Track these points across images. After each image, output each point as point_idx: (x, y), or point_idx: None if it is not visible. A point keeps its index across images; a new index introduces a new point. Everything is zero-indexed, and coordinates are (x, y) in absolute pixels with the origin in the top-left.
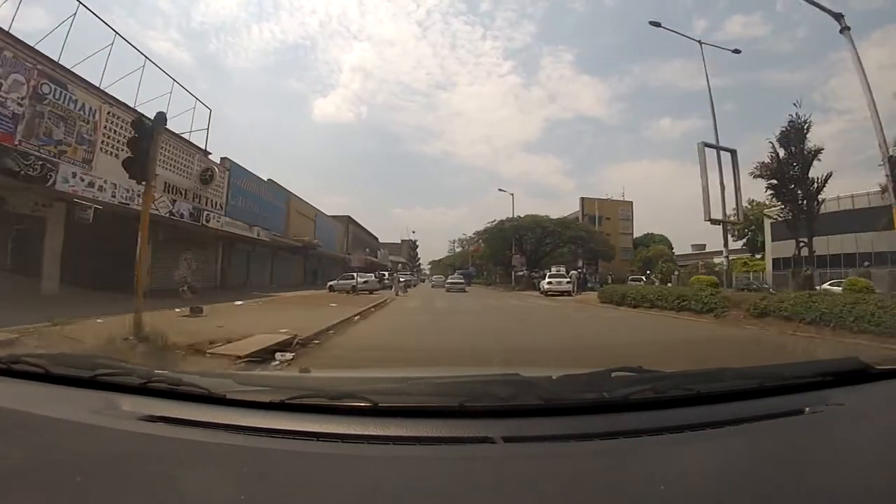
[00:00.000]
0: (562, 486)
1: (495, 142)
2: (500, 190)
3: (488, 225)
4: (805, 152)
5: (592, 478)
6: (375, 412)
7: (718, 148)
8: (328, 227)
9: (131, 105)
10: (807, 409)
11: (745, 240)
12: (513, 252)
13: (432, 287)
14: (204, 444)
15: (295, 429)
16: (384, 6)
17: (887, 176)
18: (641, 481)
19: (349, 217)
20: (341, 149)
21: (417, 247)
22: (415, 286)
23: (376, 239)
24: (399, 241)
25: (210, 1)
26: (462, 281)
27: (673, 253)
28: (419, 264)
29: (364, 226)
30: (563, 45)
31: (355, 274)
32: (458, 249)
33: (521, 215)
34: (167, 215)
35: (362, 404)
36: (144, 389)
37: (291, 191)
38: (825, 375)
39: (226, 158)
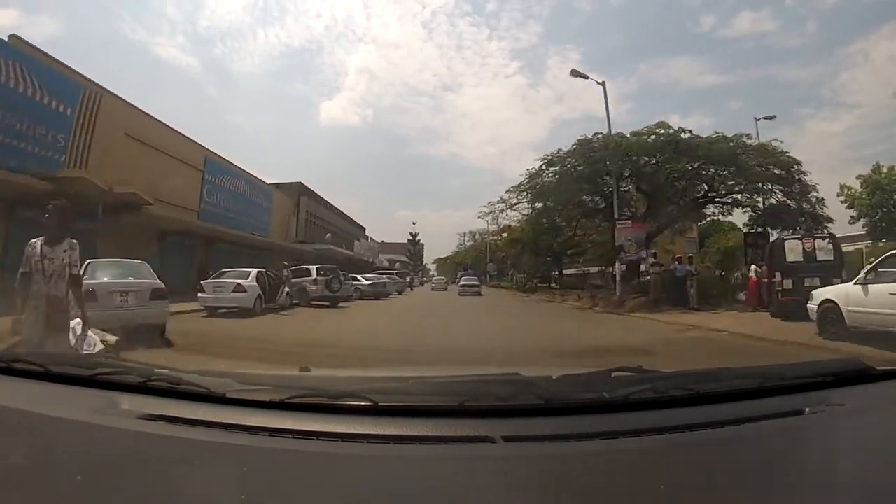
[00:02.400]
0: (562, 485)
1: (502, 142)
2: (573, 73)
3: (547, 157)
4: None
5: (592, 478)
6: (375, 411)
7: None
8: (256, 198)
9: None
10: (807, 409)
11: (874, 220)
12: (616, 215)
13: (433, 290)
14: (204, 443)
15: (295, 428)
16: (390, 8)
17: None
18: (641, 481)
19: (301, 184)
20: (347, 152)
21: (419, 241)
22: (401, 292)
23: (363, 229)
24: (405, 243)
25: (216, 6)
26: (476, 283)
27: None
28: (423, 263)
29: (346, 211)
30: (570, 45)
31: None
32: (468, 243)
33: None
34: None
35: (362, 403)
36: (144, 388)
37: (107, 87)
38: (826, 376)
39: None
